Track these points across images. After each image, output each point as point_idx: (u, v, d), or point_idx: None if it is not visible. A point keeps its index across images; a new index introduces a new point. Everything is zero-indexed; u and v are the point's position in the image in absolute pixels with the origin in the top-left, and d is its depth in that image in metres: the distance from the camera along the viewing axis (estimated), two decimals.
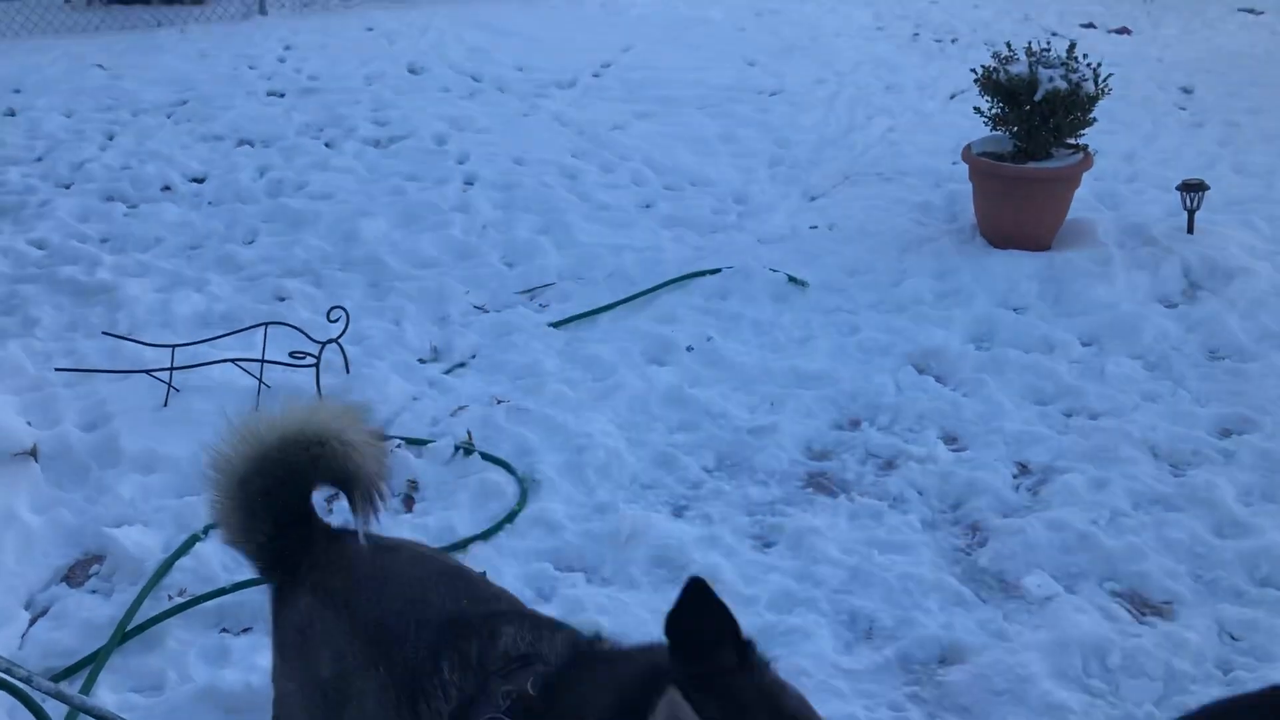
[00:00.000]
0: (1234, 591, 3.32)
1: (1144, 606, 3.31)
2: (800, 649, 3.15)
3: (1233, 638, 3.16)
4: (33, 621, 3.32)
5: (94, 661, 3.15)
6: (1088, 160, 5.51)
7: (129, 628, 3.24)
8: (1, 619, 3.21)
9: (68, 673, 3.12)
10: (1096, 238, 5.50)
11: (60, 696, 2.62)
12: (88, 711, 2.62)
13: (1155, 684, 2.99)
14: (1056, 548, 3.53)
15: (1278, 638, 3.10)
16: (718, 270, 5.43)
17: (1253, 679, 2.96)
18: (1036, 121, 5.38)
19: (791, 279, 5.32)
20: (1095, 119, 5.52)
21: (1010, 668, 3.06)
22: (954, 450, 4.09)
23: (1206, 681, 2.99)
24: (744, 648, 1.65)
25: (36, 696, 2.76)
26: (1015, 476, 3.94)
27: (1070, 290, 5.10)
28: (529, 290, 5.37)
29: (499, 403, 4.41)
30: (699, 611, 1.63)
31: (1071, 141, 5.53)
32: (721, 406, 4.36)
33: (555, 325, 5.01)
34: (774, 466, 4.03)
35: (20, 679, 2.58)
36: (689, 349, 4.81)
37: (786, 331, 4.95)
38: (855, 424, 4.29)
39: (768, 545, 3.64)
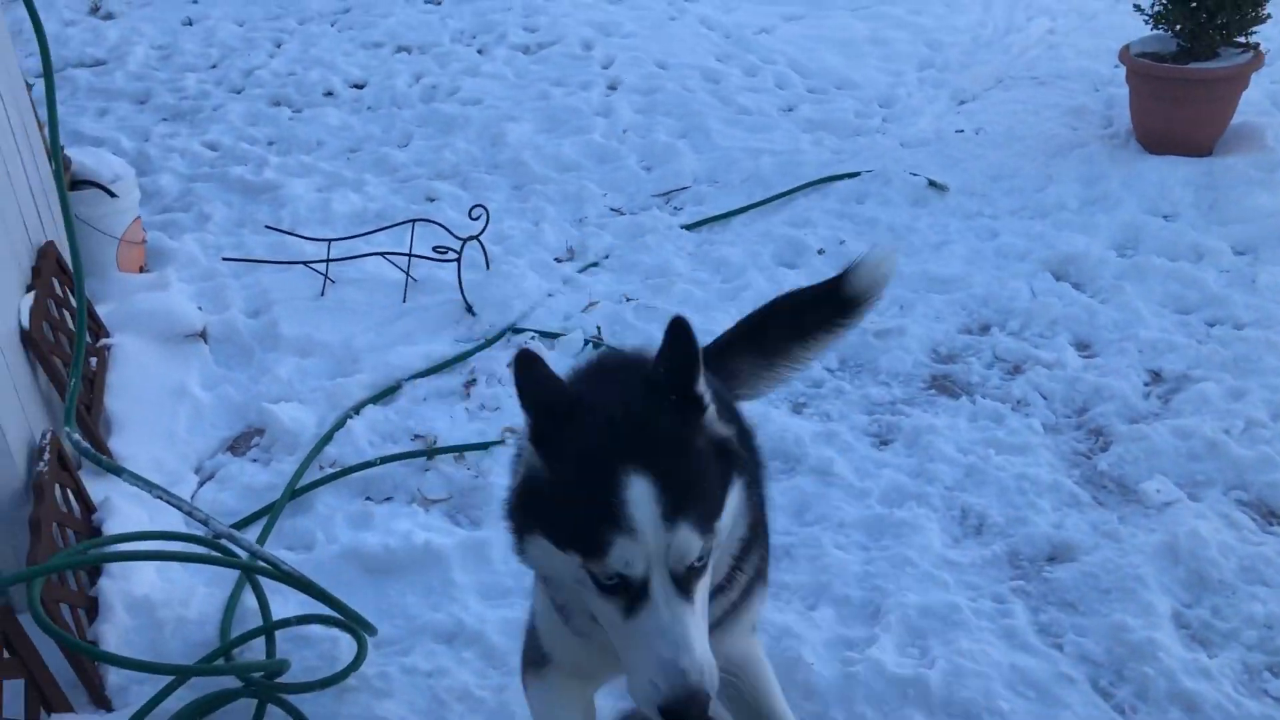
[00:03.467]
0: None
1: (1271, 516, 3.24)
2: (909, 540, 3.22)
3: None
4: (200, 484, 3.67)
5: (256, 519, 3.48)
6: (1258, 60, 5.18)
7: (296, 488, 3.56)
8: (173, 480, 3.55)
9: (236, 527, 3.45)
10: (1265, 142, 5.21)
11: (230, 538, 2.93)
12: (257, 554, 2.94)
13: (1273, 591, 2.94)
14: (1183, 455, 3.46)
15: None
16: (856, 174, 5.39)
17: None
18: (1203, 18, 5.08)
19: (932, 183, 5.24)
20: (1270, 15, 5.18)
21: (1120, 568, 3.05)
22: (1085, 357, 4.02)
23: None
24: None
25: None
26: (1147, 384, 3.85)
27: (1228, 197, 4.86)
28: (665, 193, 5.46)
29: (628, 300, 4.55)
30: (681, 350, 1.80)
31: (1241, 40, 5.21)
32: None
33: (688, 227, 5.09)
34: (897, 368, 4.05)
35: (200, 520, 2.90)
36: (820, 252, 4.82)
37: (922, 235, 4.90)
38: (985, 328, 4.26)
39: (884, 443, 3.69)
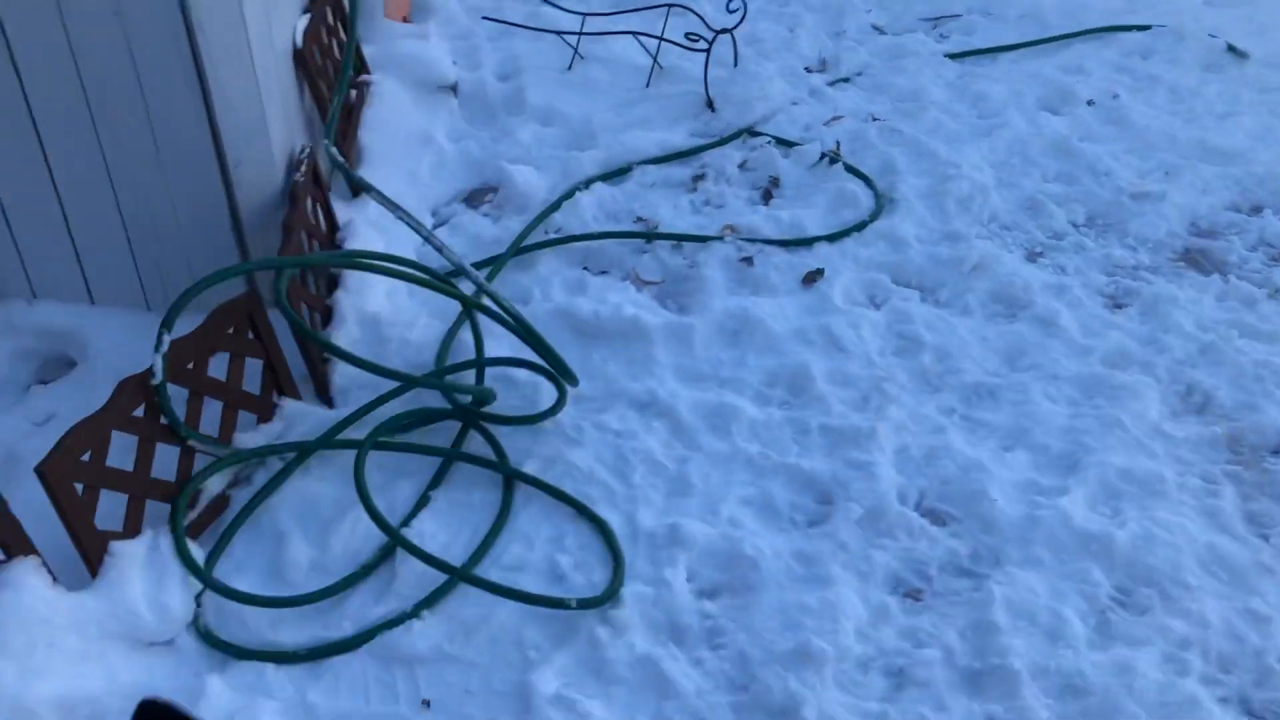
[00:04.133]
0: None
1: None
2: (1124, 405, 3.08)
3: None
4: (434, 228, 3.85)
5: (480, 268, 3.64)
6: None
7: (521, 245, 3.70)
8: None
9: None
10: None
11: (463, 270, 3.09)
12: (483, 288, 3.09)
13: None
14: None
15: None
16: (1147, 27, 4.95)
17: None
18: None
19: (1231, 48, 4.76)
20: None
21: None
22: None
23: None
24: None
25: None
26: None
27: None
28: (933, 18, 5.17)
29: (874, 120, 4.39)
30: None
31: None
32: (1108, 165, 4.10)
33: (952, 56, 4.82)
34: (1148, 234, 3.79)
35: (435, 246, 3.07)
36: (1089, 103, 4.50)
37: (1207, 103, 4.49)
38: (1256, 209, 3.91)
39: (1118, 306, 3.50)
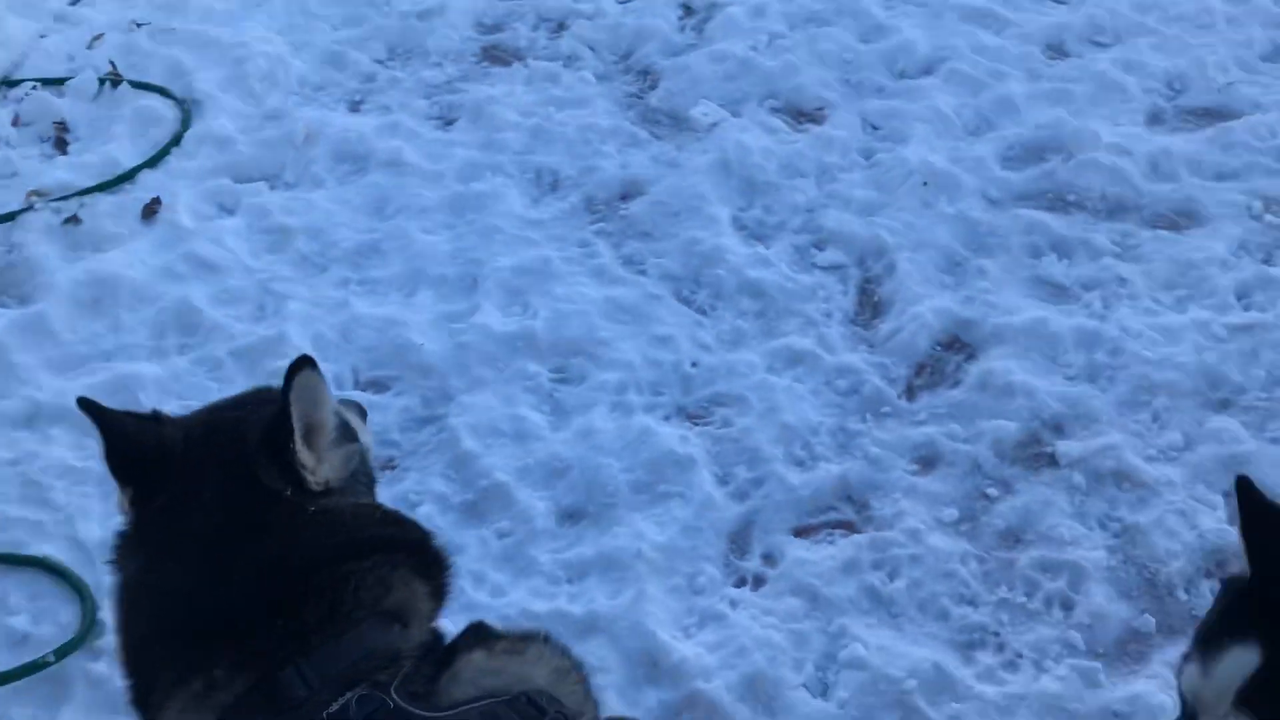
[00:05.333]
0: (875, 88, 3.62)
1: (800, 116, 3.57)
2: (492, 210, 3.26)
3: (874, 128, 3.48)
4: None
5: None
6: None
7: None
8: None
9: None
10: None
11: None
12: None
13: (808, 180, 3.29)
14: (720, 77, 3.69)
15: (910, 120, 3.44)
16: None
17: (890, 158, 3.31)
18: None
19: None
20: None
21: (683, 190, 3.28)
22: (621, 2, 4.10)
23: (851, 169, 3.32)
24: None
25: None
26: (680, 18, 4.01)
27: None
28: None
29: (139, 26, 4.04)
30: None
31: None
32: None
33: None
34: (447, 47, 3.94)
35: None
36: None
37: None
38: None
39: (449, 123, 3.64)
